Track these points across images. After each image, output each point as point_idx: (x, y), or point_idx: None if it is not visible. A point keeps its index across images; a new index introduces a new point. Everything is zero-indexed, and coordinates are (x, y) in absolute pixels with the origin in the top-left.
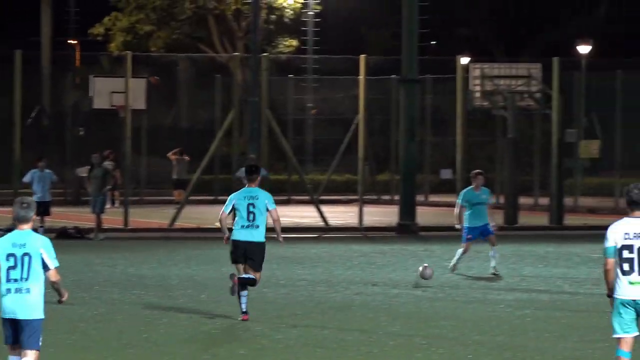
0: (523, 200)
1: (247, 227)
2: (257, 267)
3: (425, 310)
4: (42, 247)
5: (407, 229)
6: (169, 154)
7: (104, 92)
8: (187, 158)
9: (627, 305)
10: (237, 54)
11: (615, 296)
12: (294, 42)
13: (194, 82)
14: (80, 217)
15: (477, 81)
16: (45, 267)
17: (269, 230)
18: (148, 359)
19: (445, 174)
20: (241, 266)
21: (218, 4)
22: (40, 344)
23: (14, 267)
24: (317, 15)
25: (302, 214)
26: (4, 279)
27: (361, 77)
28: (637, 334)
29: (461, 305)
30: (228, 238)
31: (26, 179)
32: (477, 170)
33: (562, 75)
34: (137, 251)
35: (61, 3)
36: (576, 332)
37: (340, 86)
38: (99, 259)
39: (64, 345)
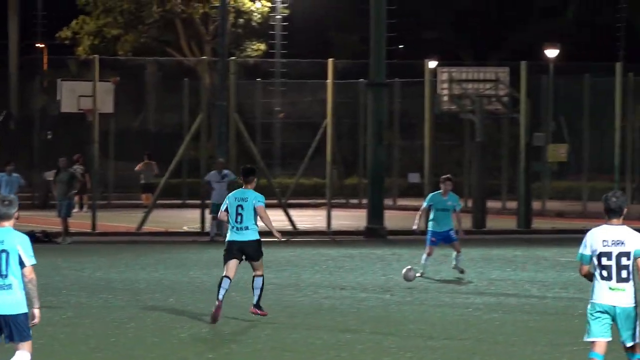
0: (491, 204)
1: (237, 229)
2: (256, 261)
3: (393, 314)
4: (19, 244)
5: (375, 233)
6: (137, 167)
7: (72, 95)
8: (154, 162)
9: (605, 312)
10: (204, 57)
11: (593, 301)
12: (262, 46)
13: (161, 86)
14: (47, 221)
15: (445, 85)
16: (21, 264)
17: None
18: None
19: (413, 177)
20: (232, 262)
21: (185, 7)
22: (30, 332)
23: None
24: (285, 19)
25: (270, 218)
26: None
27: (329, 81)
28: (611, 339)
29: (429, 309)
30: None
31: None
32: (446, 176)
33: (529, 79)
34: (105, 255)
35: (29, 7)
36: (544, 336)
37: (308, 90)
38: (67, 263)
39: (32, 349)
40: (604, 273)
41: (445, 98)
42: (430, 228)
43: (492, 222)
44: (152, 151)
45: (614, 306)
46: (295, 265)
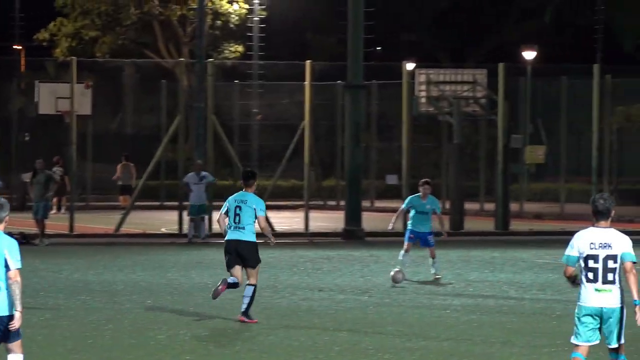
0: (469, 205)
1: (234, 228)
2: (251, 264)
3: (371, 315)
4: (6, 248)
5: (353, 235)
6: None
7: (49, 97)
8: (131, 164)
9: (592, 315)
10: (182, 59)
11: (580, 304)
12: (240, 48)
13: (139, 88)
14: (25, 222)
15: (423, 87)
16: (7, 267)
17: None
18: None
19: (391, 179)
20: (237, 269)
21: (163, 9)
22: (20, 330)
23: None
24: (262, 21)
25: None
26: None
27: (307, 82)
28: (598, 342)
29: (407, 310)
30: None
31: None
32: (425, 179)
33: (507, 81)
34: (83, 257)
35: (6, 8)
36: (522, 338)
37: (286, 92)
38: (45, 264)
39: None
40: (590, 275)
41: (423, 100)
42: (409, 227)
43: (470, 224)
44: (130, 153)
45: (600, 307)
46: (273, 266)
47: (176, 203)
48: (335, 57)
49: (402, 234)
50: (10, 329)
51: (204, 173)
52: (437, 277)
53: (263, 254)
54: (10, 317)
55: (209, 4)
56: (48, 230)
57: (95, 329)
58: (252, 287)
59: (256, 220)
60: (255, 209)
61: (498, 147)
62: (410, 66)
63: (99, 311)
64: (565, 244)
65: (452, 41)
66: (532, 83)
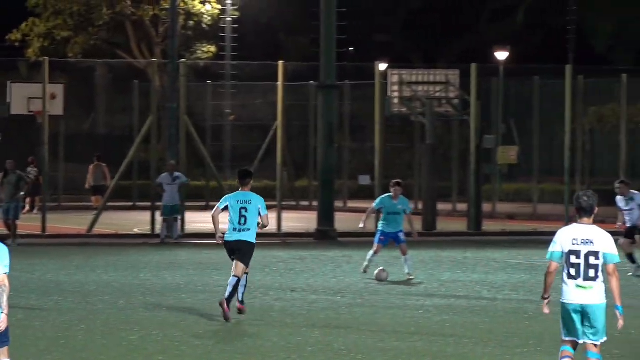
0: (441, 206)
1: (239, 230)
2: (244, 260)
3: (344, 316)
4: None
5: (325, 235)
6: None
7: (22, 98)
8: (104, 164)
9: (573, 312)
10: (155, 60)
11: (562, 301)
12: (212, 48)
13: (111, 88)
14: None
15: (396, 87)
16: None
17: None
18: None
19: (364, 180)
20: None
21: (136, 10)
22: (9, 336)
23: None
24: (235, 21)
25: (220, 220)
26: None
27: (279, 83)
28: (584, 341)
29: (380, 311)
30: (221, 237)
31: None
32: (396, 180)
33: (480, 81)
34: (55, 257)
35: None
36: (495, 338)
37: (259, 92)
38: (17, 265)
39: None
40: (572, 272)
41: (396, 100)
42: (380, 228)
43: (442, 224)
44: (103, 153)
45: (582, 304)
46: None
47: (149, 203)
48: (308, 58)
49: (372, 234)
50: None
51: (177, 174)
52: (411, 277)
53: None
54: None
55: (182, 4)
56: (20, 231)
57: (68, 330)
58: (237, 279)
59: (259, 219)
60: (259, 208)
61: (471, 147)
62: (382, 67)
63: (72, 312)
64: (537, 244)
65: (425, 42)
66: (505, 83)
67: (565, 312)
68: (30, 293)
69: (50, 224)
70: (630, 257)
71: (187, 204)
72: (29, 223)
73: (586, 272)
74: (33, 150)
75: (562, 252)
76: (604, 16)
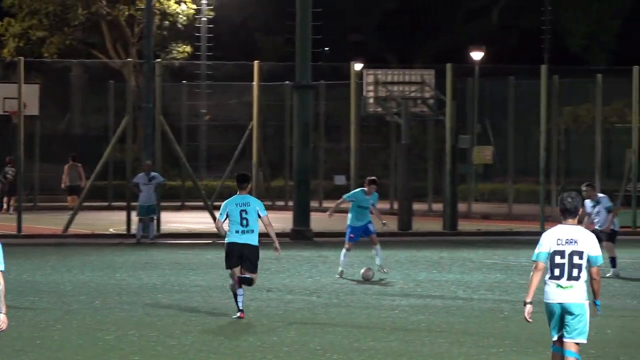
0: (417, 206)
1: (243, 232)
2: (253, 269)
3: (319, 316)
4: None
5: (301, 235)
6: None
7: None
8: (79, 164)
9: (555, 310)
10: (130, 60)
11: (545, 301)
12: (188, 48)
13: (87, 88)
14: None
15: (371, 87)
16: None
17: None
18: None
19: (339, 180)
20: (236, 269)
21: (111, 10)
22: None
23: None
24: (210, 21)
25: (196, 220)
26: None
27: (255, 83)
28: (572, 340)
29: (356, 311)
30: None
31: None
32: (372, 178)
33: (455, 81)
34: (31, 257)
35: None
36: (470, 338)
37: (234, 92)
38: None
39: None
40: (556, 272)
41: (371, 100)
42: (349, 223)
43: (418, 224)
44: (78, 153)
45: (562, 303)
46: (221, 267)
47: (124, 203)
48: (283, 58)
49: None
50: None
51: (153, 174)
52: (385, 270)
53: (210, 254)
54: None
55: (157, 4)
56: None
57: (44, 330)
58: (240, 289)
59: (260, 221)
60: (258, 210)
61: (446, 147)
62: (358, 67)
63: (48, 312)
64: (513, 244)
65: (399, 42)
66: (480, 83)
67: (547, 311)
68: (6, 293)
69: (25, 224)
70: (613, 261)
71: (163, 204)
72: (4, 223)
73: (570, 272)
74: (9, 151)
75: (548, 253)
76: (578, 16)
